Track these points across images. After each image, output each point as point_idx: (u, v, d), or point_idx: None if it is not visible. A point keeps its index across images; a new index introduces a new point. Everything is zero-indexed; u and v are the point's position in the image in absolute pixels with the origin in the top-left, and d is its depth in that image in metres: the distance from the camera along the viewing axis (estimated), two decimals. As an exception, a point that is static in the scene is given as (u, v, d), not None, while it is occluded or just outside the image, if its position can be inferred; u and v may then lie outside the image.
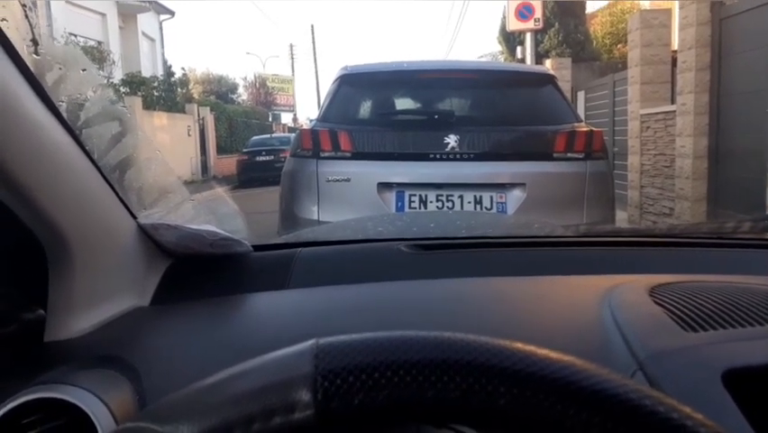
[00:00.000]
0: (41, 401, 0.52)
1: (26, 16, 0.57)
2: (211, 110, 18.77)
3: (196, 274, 0.85)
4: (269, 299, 0.81)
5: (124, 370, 0.60)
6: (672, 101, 6.39)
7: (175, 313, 0.78)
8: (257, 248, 0.92)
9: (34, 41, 0.58)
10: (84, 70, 0.62)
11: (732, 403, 0.48)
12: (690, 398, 0.49)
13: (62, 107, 0.60)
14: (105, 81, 13.08)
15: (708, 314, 0.61)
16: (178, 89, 17.23)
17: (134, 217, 0.78)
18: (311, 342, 0.30)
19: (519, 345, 0.29)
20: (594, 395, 0.27)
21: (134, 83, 14.23)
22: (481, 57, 18.83)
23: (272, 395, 0.27)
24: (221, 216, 0.92)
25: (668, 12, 7.25)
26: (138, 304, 0.78)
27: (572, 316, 0.69)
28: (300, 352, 0.29)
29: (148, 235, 0.80)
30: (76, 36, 13.59)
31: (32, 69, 0.55)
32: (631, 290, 0.70)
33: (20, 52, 0.54)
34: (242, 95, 29.75)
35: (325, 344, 0.29)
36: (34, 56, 0.59)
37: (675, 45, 6.43)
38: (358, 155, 2.92)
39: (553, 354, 0.28)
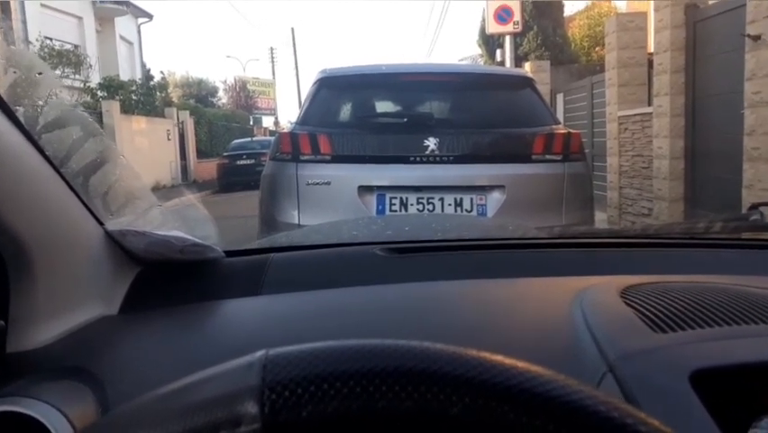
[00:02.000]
0: (1, 415, 0.51)
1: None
2: (191, 114, 18.61)
3: (166, 281, 0.83)
4: (241, 305, 0.80)
5: (88, 381, 0.59)
6: (649, 103, 6.48)
7: (144, 321, 0.76)
8: (229, 254, 0.91)
9: (-15, 45, 0.56)
10: (40, 74, 0.61)
11: (699, 404, 0.48)
12: (658, 399, 0.49)
13: (19, 112, 0.58)
14: (82, 85, 12.94)
15: (677, 314, 0.61)
16: (157, 93, 17.06)
17: (101, 224, 0.76)
18: (261, 352, 0.29)
19: (473, 353, 0.28)
20: (548, 402, 0.26)
21: (112, 87, 14.05)
22: (461, 60, 18.93)
23: (218, 408, 0.26)
24: (191, 222, 0.90)
25: (644, 15, 7.35)
26: (106, 313, 0.76)
27: (544, 317, 0.69)
28: (249, 363, 0.28)
29: (115, 242, 0.78)
30: (51, 39, 13.40)
31: None
32: (602, 291, 0.70)
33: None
34: (223, 98, 29.60)
35: (274, 354, 0.28)
36: (-13, 60, 0.57)
37: (651, 48, 6.53)
38: (338, 158, 2.91)
39: (507, 361, 0.28)
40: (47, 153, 0.63)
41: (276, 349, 0.29)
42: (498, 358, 0.28)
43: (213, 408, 0.27)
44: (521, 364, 0.28)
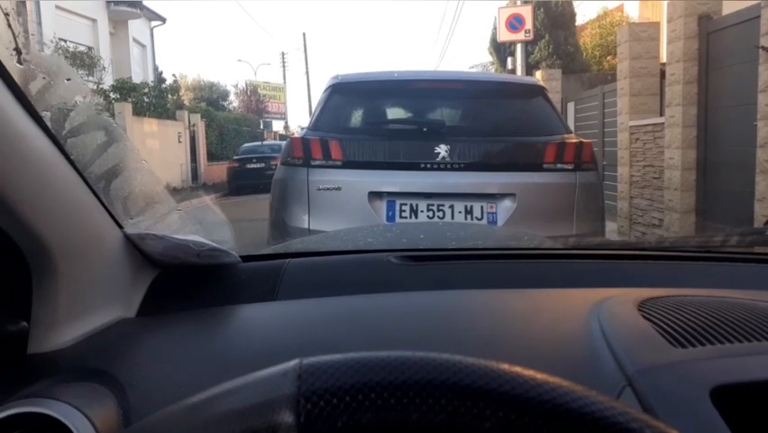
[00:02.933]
0: (24, 416, 0.51)
1: (9, 25, 0.56)
2: (202, 117, 18.71)
3: (183, 285, 0.84)
4: (258, 310, 0.80)
5: (109, 383, 0.59)
6: (661, 113, 6.45)
7: (161, 325, 0.76)
8: (245, 259, 0.91)
9: (17, 51, 0.57)
10: (68, 80, 0.61)
11: (720, 420, 0.48)
12: (679, 414, 0.49)
13: (47, 117, 0.59)
14: (95, 87, 13.04)
15: (695, 329, 0.61)
16: (169, 96, 17.16)
17: (120, 227, 0.77)
18: (295, 362, 0.29)
19: (505, 367, 0.28)
20: (581, 418, 0.26)
21: (125, 89, 14.17)
22: (472, 67, 18.95)
23: (254, 417, 0.27)
24: (208, 226, 0.91)
25: (656, 25, 7.33)
26: (124, 315, 0.77)
27: (561, 329, 0.69)
28: (283, 372, 0.29)
29: (134, 245, 0.79)
30: (66, 41, 13.53)
31: (15, 78, 0.54)
32: (619, 303, 0.70)
33: (3, 61, 0.53)
34: (234, 102, 29.72)
35: (309, 364, 0.29)
36: (18, 65, 0.58)
37: (664, 58, 6.50)
38: (349, 164, 2.91)
39: (540, 376, 0.28)
40: (71, 158, 0.64)
41: (309, 359, 0.29)
42: (531, 373, 0.28)
43: (249, 416, 0.27)
44: (553, 379, 0.28)
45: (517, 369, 0.28)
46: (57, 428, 0.51)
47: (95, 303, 0.72)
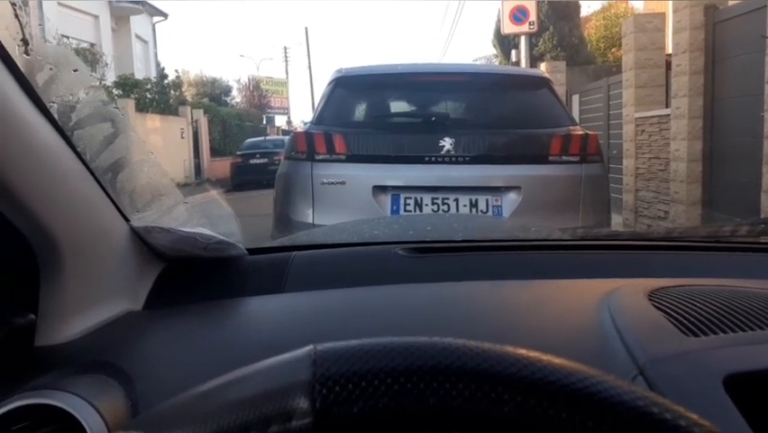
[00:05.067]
0: (32, 408, 0.51)
1: (16, 16, 0.56)
2: (204, 112, 18.71)
3: (190, 278, 0.84)
4: (265, 302, 0.80)
5: (116, 375, 0.59)
6: (667, 105, 6.41)
7: (168, 317, 0.76)
8: (252, 251, 0.91)
9: (24, 42, 0.57)
10: (75, 71, 0.61)
11: (734, 408, 0.48)
12: (692, 403, 0.49)
13: (53, 108, 0.58)
14: (98, 83, 13.05)
15: (707, 318, 0.60)
16: (171, 91, 17.17)
17: (127, 220, 0.77)
18: (309, 348, 0.29)
19: (523, 352, 0.28)
20: (601, 403, 0.26)
21: (127, 85, 14.18)
22: (476, 60, 18.88)
23: (269, 402, 0.26)
24: (215, 219, 0.90)
25: (662, 16, 7.29)
26: (131, 308, 0.77)
27: (571, 320, 0.69)
28: (298, 358, 0.28)
29: (141, 238, 0.79)
30: (68, 38, 13.52)
31: (22, 69, 0.54)
32: (630, 293, 0.69)
33: (10, 52, 0.53)
34: (236, 97, 29.69)
35: (324, 350, 0.28)
36: (25, 56, 0.57)
37: (669, 49, 6.46)
38: (353, 158, 2.91)
39: (557, 361, 0.28)
40: (78, 150, 0.64)
41: (324, 344, 0.29)
42: (548, 357, 0.28)
43: (264, 402, 0.26)
44: (572, 364, 0.27)
45: (535, 354, 0.28)
46: (65, 419, 0.51)
47: (102, 296, 0.72)
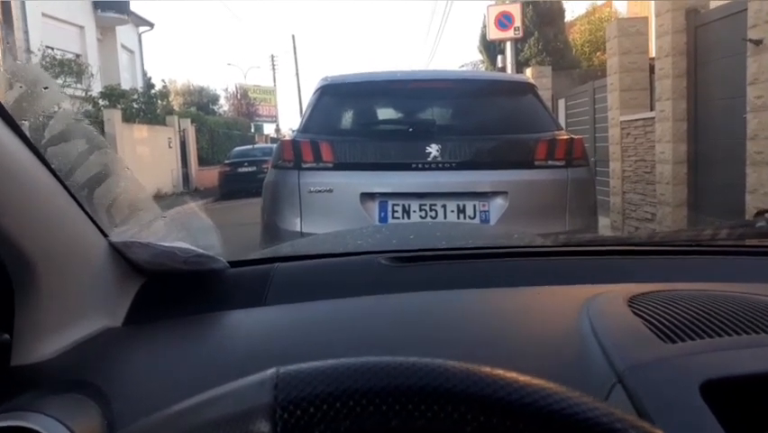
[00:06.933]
0: (5, 430, 0.50)
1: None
2: (192, 122, 18.62)
3: (171, 293, 0.83)
4: (246, 316, 0.79)
5: (93, 394, 0.59)
6: (651, 108, 6.47)
7: (148, 333, 0.76)
8: (233, 264, 0.90)
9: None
10: (46, 88, 0.61)
11: (711, 415, 0.48)
12: (669, 410, 0.49)
13: (25, 126, 0.58)
14: (84, 94, 12.96)
15: (686, 324, 0.60)
16: (159, 101, 17.07)
17: (105, 236, 0.76)
18: (272, 370, 0.29)
19: (487, 370, 0.28)
20: (565, 420, 0.26)
21: (114, 96, 14.08)
22: (462, 66, 18.97)
23: (231, 427, 0.26)
24: (195, 232, 0.90)
25: (645, 20, 7.36)
26: (110, 324, 0.76)
27: (551, 327, 0.69)
28: (260, 381, 0.28)
29: (120, 254, 0.78)
30: (53, 49, 13.44)
31: None
32: (610, 300, 0.69)
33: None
34: (224, 106, 29.63)
35: (286, 372, 0.28)
36: (-5, 73, 0.57)
37: (653, 53, 6.53)
38: (340, 165, 2.91)
39: (522, 378, 0.28)
40: (52, 166, 0.63)
41: (287, 367, 0.29)
42: (513, 375, 0.27)
43: (225, 427, 0.26)
44: (536, 381, 0.27)
45: (499, 372, 0.28)
46: None
47: (80, 313, 0.71)
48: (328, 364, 0.28)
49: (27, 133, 0.59)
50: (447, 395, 0.26)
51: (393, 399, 0.26)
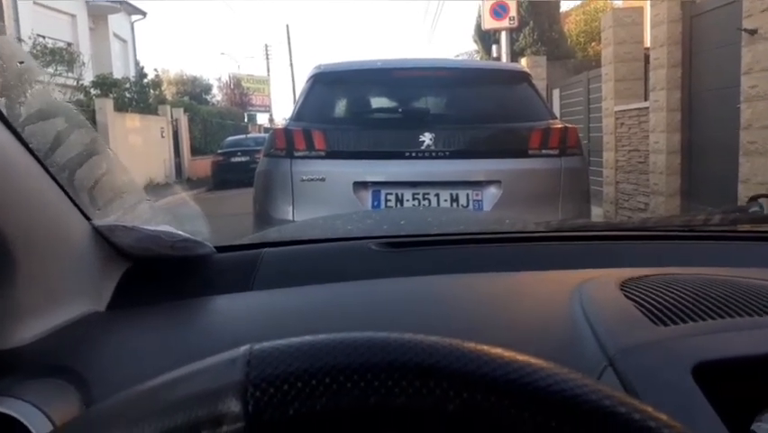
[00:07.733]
0: (-17, 415, 0.49)
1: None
2: (185, 111, 18.50)
3: (156, 277, 0.82)
4: (233, 301, 0.78)
5: (73, 379, 0.57)
6: (646, 98, 6.47)
7: (132, 318, 0.74)
8: (220, 249, 0.89)
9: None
10: (21, 63, 0.58)
11: (702, 397, 0.47)
12: (660, 393, 0.48)
13: (1, 104, 0.56)
14: (76, 83, 12.85)
15: (678, 307, 0.60)
16: (151, 91, 16.94)
17: (88, 219, 0.74)
18: (245, 347, 0.27)
19: (470, 345, 0.27)
20: (551, 396, 0.25)
21: (106, 85, 13.95)
22: (457, 56, 18.89)
23: (199, 406, 0.25)
24: (182, 218, 0.88)
25: (640, 10, 7.34)
26: (93, 309, 0.74)
27: (543, 311, 0.68)
28: (232, 359, 0.27)
29: (104, 237, 0.76)
30: (44, 37, 13.29)
31: None
32: (602, 284, 0.69)
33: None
34: (217, 95, 29.45)
35: (259, 349, 0.27)
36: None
37: (648, 43, 6.52)
38: (332, 154, 2.89)
39: (507, 354, 0.26)
40: (31, 146, 0.61)
41: (261, 344, 0.27)
42: (497, 351, 0.26)
43: (193, 406, 0.25)
44: (521, 357, 0.26)
45: (483, 347, 0.27)
46: (18, 426, 0.49)
47: (61, 297, 0.70)
48: (305, 340, 0.27)
49: (3, 110, 0.57)
50: (429, 371, 0.25)
51: (372, 375, 0.25)
